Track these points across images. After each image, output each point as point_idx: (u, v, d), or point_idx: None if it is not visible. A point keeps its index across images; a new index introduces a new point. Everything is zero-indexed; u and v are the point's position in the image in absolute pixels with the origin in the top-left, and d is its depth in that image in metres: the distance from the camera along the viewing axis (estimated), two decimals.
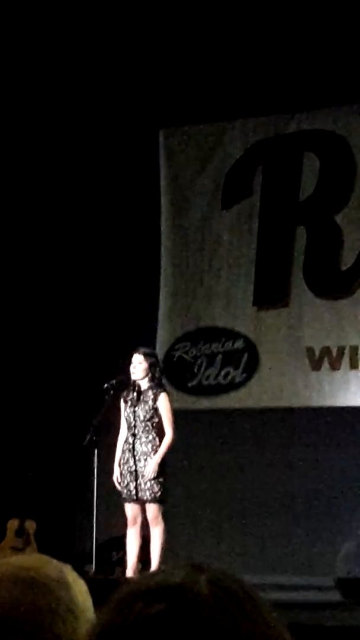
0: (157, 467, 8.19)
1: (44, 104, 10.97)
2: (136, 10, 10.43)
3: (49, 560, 1.55)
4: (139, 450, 8.27)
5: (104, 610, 1.09)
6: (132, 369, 8.40)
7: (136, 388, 8.40)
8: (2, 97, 10.84)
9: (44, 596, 1.47)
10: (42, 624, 1.45)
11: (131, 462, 8.28)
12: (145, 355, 8.48)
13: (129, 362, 8.45)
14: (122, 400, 8.46)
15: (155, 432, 8.27)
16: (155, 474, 8.21)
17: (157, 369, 8.60)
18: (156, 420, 8.30)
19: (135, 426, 8.31)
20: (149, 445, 8.26)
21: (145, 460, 8.23)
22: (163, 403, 8.33)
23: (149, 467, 8.19)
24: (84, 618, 1.47)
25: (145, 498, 8.23)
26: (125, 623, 1.04)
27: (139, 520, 8.32)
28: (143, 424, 8.28)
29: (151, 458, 8.22)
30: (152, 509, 8.24)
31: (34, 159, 11.10)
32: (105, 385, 8.70)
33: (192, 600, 1.04)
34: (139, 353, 8.45)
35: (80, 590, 1.52)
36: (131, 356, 8.46)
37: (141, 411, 8.31)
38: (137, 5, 10.42)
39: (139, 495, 8.24)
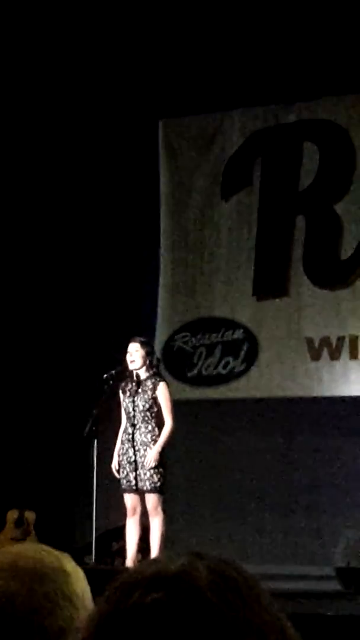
0: (157, 457, 8.18)
1: (43, 96, 10.95)
2: (134, 2, 10.40)
3: (47, 550, 1.55)
4: (139, 441, 8.26)
5: (103, 598, 1.09)
6: (129, 358, 8.39)
7: (135, 378, 8.39)
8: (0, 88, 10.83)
9: (43, 585, 1.47)
10: (40, 612, 1.45)
11: (130, 452, 8.27)
12: (141, 343, 8.47)
13: (125, 352, 8.44)
14: (120, 391, 8.45)
15: (154, 422, 8.27)
16: (155, 463, 8.20)
17: (154, 356, 8.61)
18: (155, 410, 8.29)
19: (134, 416, 8.30)
20: (149, 436, 8.25)
21: (145, 450, 8.22)
22: (162, 392, 8.32)
23: (149, 456, 8.18)
24: (83, 607, 1.46)
25: (144, 488, 8.23)
26: (123, 611, 1.04)
27: (139, 510, 8.31)
28: (142, 414, 8.28)
29: (150, 448, 8.21)
30: (151, 499, 8.23)
31: (33, 150, 11.08)
32: (105, 375, 8.69)
33: (191, 588, 1.04)
34: (135, 342, 8.45)
35: (78, 579, 1.51)
36: (126, 346, 8.45)
37: (140, 401, 8.30)
38: None
39: (139, 485, 8.24)
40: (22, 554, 1.52)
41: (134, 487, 8.26)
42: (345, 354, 10.22)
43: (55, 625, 1.45)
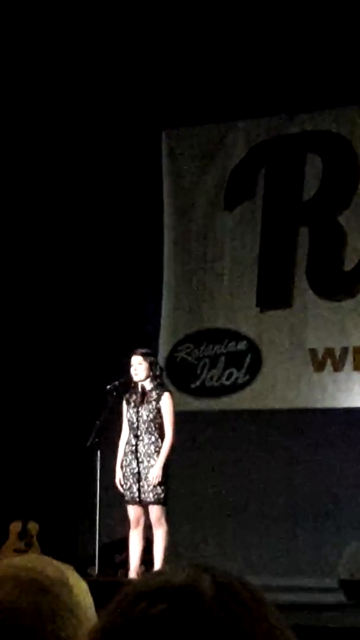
0: (160, 472, 8.17)
1: (47, 106, 10.96)
2: (138, 11, 10.42)
3: (49, 561, 1.54)
4: (142, 452, 8.25)
5: (106, 610, 1.07)
6: (133, 371, 8.38)
7: (140, 389, 8.39)
8: (5, 97, 10.83)
9: (45, 597, 1.46)
10: (42, 624, 1.44)
11: (134, 464, 8.26)
12: (144, 355, 8.47)
13: (129, 365, 8.43)
14: (124, 402, 8.44)
15: (157, 433, 8.26)
16: (159, 479, 8.19)
17: (157, 366, 8.61)
18: (159, 420, 8.28)
19: (138, 427, 8.29)
20: (152, 447, 8.24)
21: (149, 461, 8.21)
22: (166, 403, 8.32)
23: (152, 473, 8.16)
24: (85, 619, 1.45)
25: (148, 500, 8.21)
26: (127, 623, 1.03)
27: (142, 522, 8.30)
28: (146, 425, 8.27)
29: (154, 459, 8.20)
30: (155, 511, 8.22)
31: (37, 161, 11.09)
32: (108, 387, 8.69)
33: (196, 601, 1.03)
34: (137, 354, 8.45)
35: (81, 590, 1.50)
36: (129, 359, 8.44)
37: (144, 411, 8.29)
38: (139, 6, 10.41)
39: (142, 497, 8.22)
40: (25, 565, 1.51)
41: (138, 499, 8.24)
42: (348, 365, 10.21)
43: (57, 637, 1.43)
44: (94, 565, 8.68)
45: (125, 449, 8.35)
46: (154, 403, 8.32)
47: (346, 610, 7.82)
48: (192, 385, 10.75)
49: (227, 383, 10.66)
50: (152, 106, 10.77)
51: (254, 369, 10.55)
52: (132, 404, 8.37)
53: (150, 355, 8.64)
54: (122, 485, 8.32)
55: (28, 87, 10.89)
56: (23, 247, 11.15)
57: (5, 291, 11.08)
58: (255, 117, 10.83)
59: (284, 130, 10.82)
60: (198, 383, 10.75)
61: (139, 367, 8.38)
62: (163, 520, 8.22)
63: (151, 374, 8.41)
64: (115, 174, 11.07)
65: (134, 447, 8.28)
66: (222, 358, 10.71)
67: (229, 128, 10.99)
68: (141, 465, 8.23)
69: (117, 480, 8.35)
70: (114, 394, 8.63)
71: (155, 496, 8.20)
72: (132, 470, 8.26)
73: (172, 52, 10.53)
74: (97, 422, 8.68)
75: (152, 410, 8.29)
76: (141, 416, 8.29)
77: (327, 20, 10.04)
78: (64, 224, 11.13)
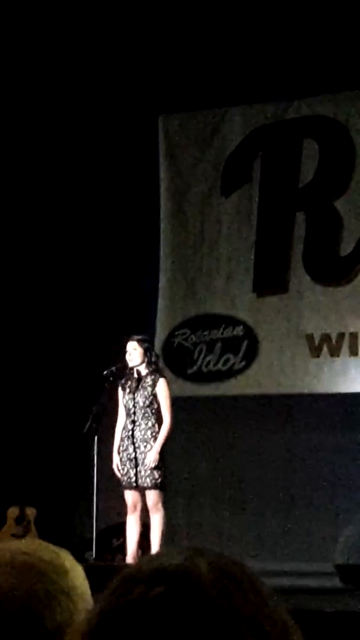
0: (157, 457, 8.18)
1: (43, 92, 10.93)
2: None
3: (45, 546, 1.54)
4: (139, 437, 8.26)
5: (103, 594, 1.08)
6: (128, 356, 8.39)
7: (136, 375, 8.39)
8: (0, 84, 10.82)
9: (41, 581, 1.46)
10: (39, 609, 1.44)
11: (130, 449, 8.27)
12: (139, 340, 8.49)
13: (124, 351, 8.44)
14: (119, 388, 8.45)
15: (154, 419, 8.27)
16: (156, 463, 8.20)
17: (153, 352, 8.62)
18: (155, 406, 8.29)
19: (134, 413, 8.30)
20: (149, 432, 8.25)
21: (145, 447, 8.22)
22: (162, 388, 8.32)
23: (149, 457, 8.17)
24: (82, 603, 1.46)
25: (145, 485, 8.23)
26: (124, 607, 1.03)
27: (139, 507, 8.32)
28: (142, 411, 8.28)
29: (151, 445, 8.21)
30: (152, 496, 8.23)
31: (32, 146, 11.06)
32: (105, 372, 8.69)
33: (192, 583, 1.03)
34: (132, 340, 8.46)
35: (77, 575, 1.50)
36: (124, 345, 8.45)
37: (140, 397, 8.30)
38: None
39: (139, 482, 8.23)
40: (20, 550, 1.51)
41: (135, 484, 8.26)
42: (345, 350, 10.22)
43: (53, 621, 1.44)
44: (92, 550, 8.69)
45: (122, 434, 8.36)
46: (149, 389, 8.32)
47: (342, 595, 7.83)
48: (189, 371, 10.75)
49: (224, 368, 10.66)
50: (149, 91, 10.74)
51: (251, 355, 10.55)
52: (128, 390, 8.38)
53: (146, 341, 8.65)
54: (119, 471, 8.33)
55: (23, 72, 10.85)
56: (18, 231, 11.13)
57: (2, 278, 11.07)
58: (252, 103, 10.81)
59: (281, 116, 10.80)
60: (195, 368, 10.76)
61: (133, 353, 8.39)
62: (160, 505, 8.23)
63: (146, 359, 8.42)
64: (112, 159, 11.05)
65: (130, 433, 8.29)
66: (219, 343, 10.71)
67: (226, 113, 10.97)
68: (138, 451, 8.24)
69: (114, 466, 8.36)
70: (111, 379, 8.64)
71: (153, 481, 8.21)
72: (129, 456, 8.28)
73: (169, 38, 10.49)
74: (94, 408, 8.69)
75: (147, 397, 8.30)
76: (137, 402, 8.30)
77: (324, 6, 10.01)
78: (60, 211, 11.11)
